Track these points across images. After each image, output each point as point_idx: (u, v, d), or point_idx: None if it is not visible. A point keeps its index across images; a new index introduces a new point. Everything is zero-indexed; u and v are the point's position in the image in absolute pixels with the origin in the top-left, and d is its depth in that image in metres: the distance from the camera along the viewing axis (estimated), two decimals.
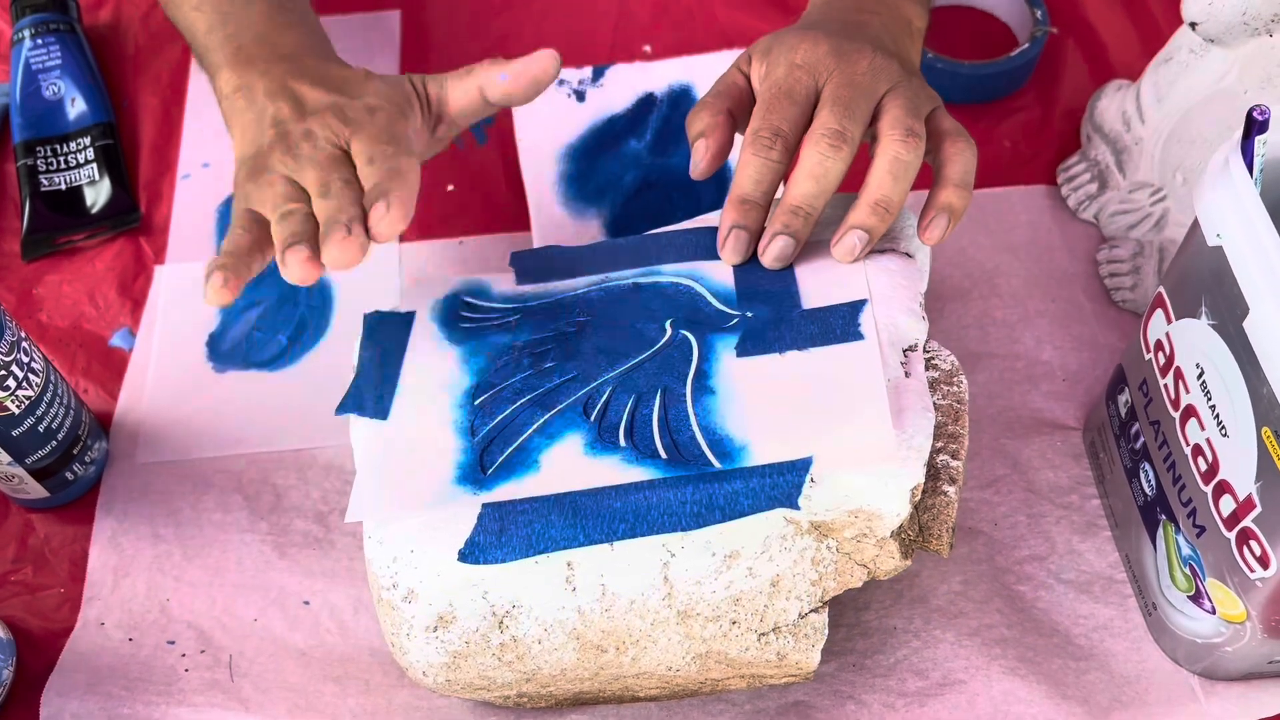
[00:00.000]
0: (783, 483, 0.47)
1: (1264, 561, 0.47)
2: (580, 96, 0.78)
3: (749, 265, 0.56)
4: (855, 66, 0.54)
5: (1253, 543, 0.47)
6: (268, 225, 0.54)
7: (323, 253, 0.50)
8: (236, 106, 0.58)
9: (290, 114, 0.56)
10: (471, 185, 0.75)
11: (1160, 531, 0.54)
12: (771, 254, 0.54)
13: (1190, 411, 0.50)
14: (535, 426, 0.51)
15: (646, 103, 0.77)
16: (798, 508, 0.46)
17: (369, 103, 0.57)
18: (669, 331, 0.53)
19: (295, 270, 0.51)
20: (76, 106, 0.76)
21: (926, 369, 0.51)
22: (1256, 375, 0.45)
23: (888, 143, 0.52)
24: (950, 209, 0.53)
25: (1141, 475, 0.55)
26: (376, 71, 0.60)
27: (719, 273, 0.56)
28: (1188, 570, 0.52)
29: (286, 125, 0.56)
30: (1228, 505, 0.48)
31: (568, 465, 0.49)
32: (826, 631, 0.49)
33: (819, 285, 0.54)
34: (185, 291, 0.71)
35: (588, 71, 0.79)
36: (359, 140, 0.55)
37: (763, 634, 0.48)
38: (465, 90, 0.59)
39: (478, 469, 0.50)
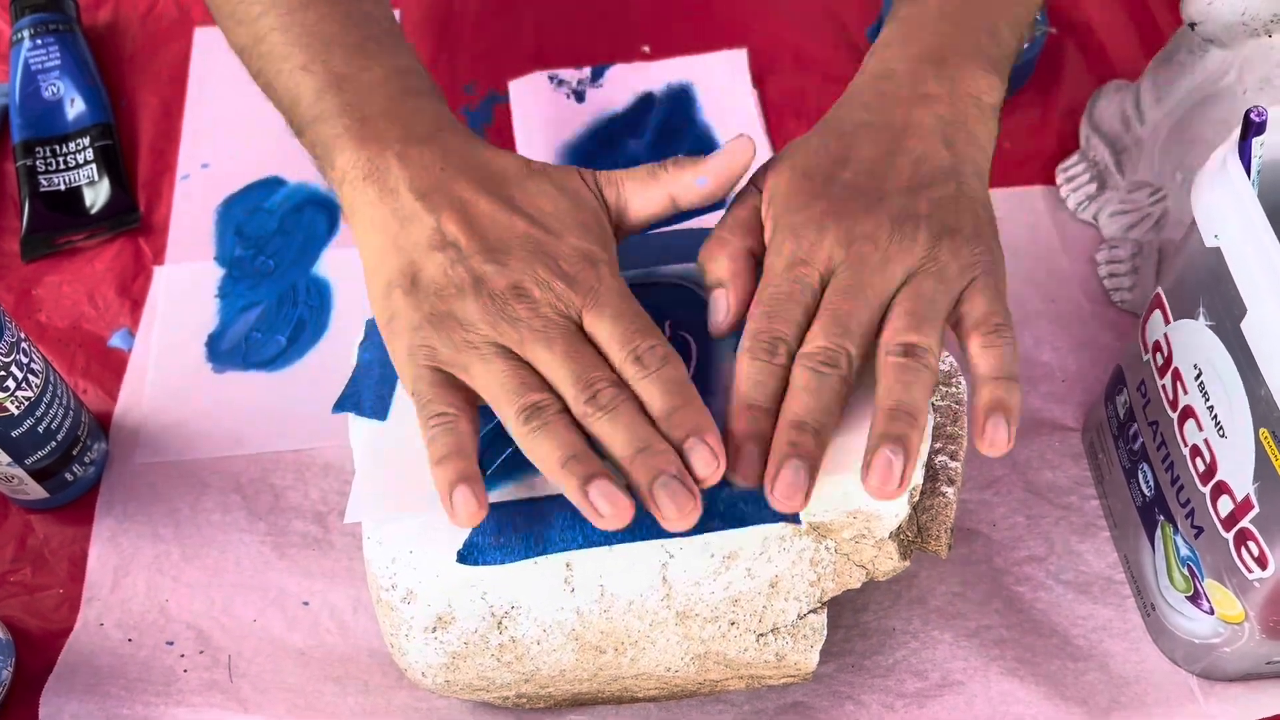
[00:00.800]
0: None
1: (1262, 562, 0.47)
2: (580, 96, 0.78)
3: None
4: (863, 265, 0.46)
5: (1251, 543, 0.47)
6: (474, 401, 0.46)
7: (659, 512, 0.42)
8: (366, 198, 0.49)
9: (461, 233, 0.46)
10: None
11: (1158, 532, 0.54)
12: (782, 485, 0.43)
13: (1188, 412, 0.50)
14: None
15: (646, 102, 0.77)
16: (799, 522, 0.46)
17: (579, 247, 0.47)
18: (668, 333, 0.53)
19: (613, 521, 0.42)
20: (76, 107, 0.76)
21: None
22: (1254, 376, 0.45)
23: (886, 366, 0.45)
24: (1000, 406, 0.44)
25: (1140, 476, 0.55)
26: None
27: None
28: (1186, 571, 0.52)
29: (470, 260, 0.46)
30: (1226, 506, 0.48)
31: None
32: (825, 632, 0.49)
33: None
34: (184, 292, 0.71)
35: (587, 71, 0.79)
36: (603, 322, 0.45)
37: (761, 635, 0.48)
38: (650, 198, 0.50)
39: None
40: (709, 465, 0.43)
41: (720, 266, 0.49)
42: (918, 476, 0.47)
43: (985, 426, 0.44)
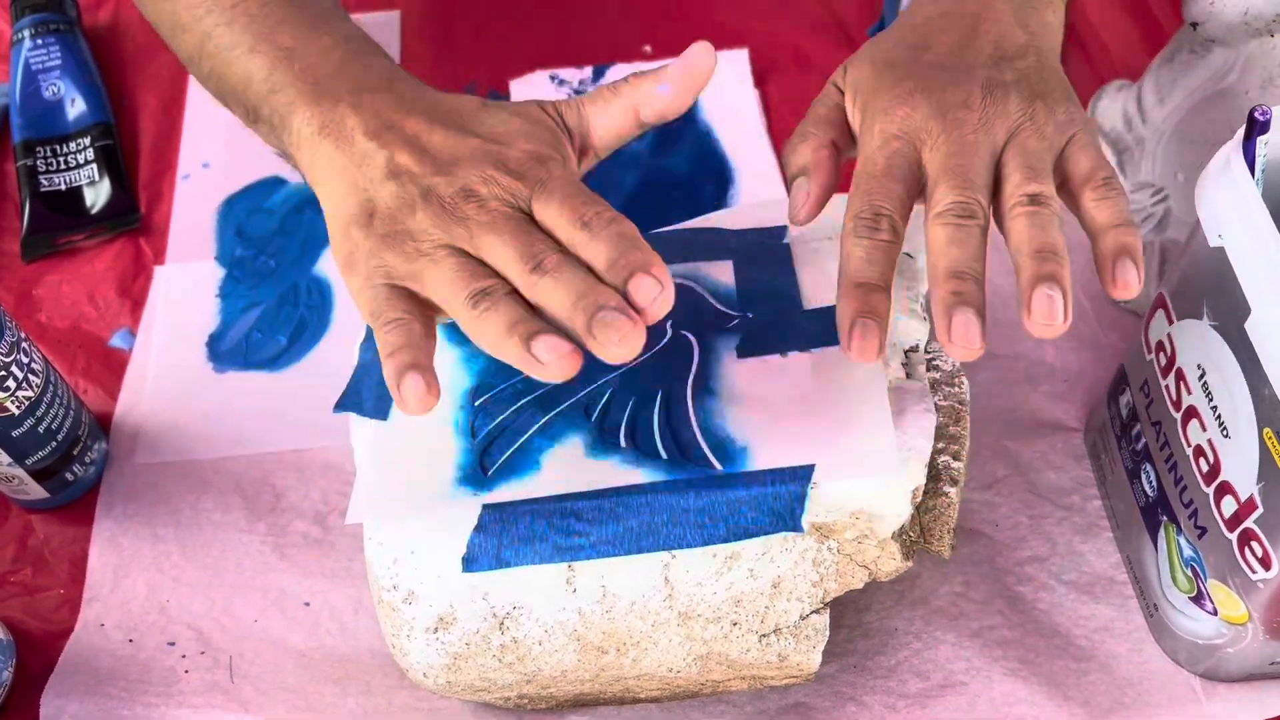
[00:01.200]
0: (784, 492, 0.46)
1: (1265, 563, 0.47)
2: None
3: (750, 266, 0.55)
4: (963, 127, 0.46)
5: (1254, 544, 0.47)
6: (429, 309, 0.45)
7: (599, 347, 0.41)
8: (322, 151, 0.49)
9: (413, 161, 0.47)
10: None
11: (1162, 532, 0.54)
12: (959, 331, 0.43)
13: (1192, 412, 0.50)
14: (536, 427, 0.50)
15: None
16: (801, 530, 0.46)
17: (529, 149, 0.47)
18: (669, 332, 0.53)
19: (557, 369, 0.41)
20: (76, 107, 0.76)
21: (928, 370, 0.51)
22: (1258, 376, 0.45)
23: (1018, 217, 0.45)
24: (1126, 250, 0.44)
25: (1143, 476, 0.55)
26: None
27: (719, 273, 0.56)
28: (1189, 571, 0.52)
29: (421, 179, 0.46)
30: (1229, 506, 0.48)
31: (569, 466, 0.49)
32: (827, 633, 0.49)
33: (820, 286, 0.54)
34: (185, 292, 0.71)
35: (588, 71, 0.79)
36: (551, 203, 0.45)
37: (764, 635, 0.48)
38: (612, 115, 0.50)
39: (479, 470, 0.50)
40: (651, 291, 0.42)
41: (801, 156, 0.49)
42: (920, 477, 0.47)
43: (1115, 271, 0.44)
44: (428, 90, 0.51)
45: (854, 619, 0.57)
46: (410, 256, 0.45)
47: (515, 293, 0.43)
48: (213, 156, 0.77)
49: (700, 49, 0.49)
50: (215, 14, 0.55)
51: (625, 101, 0.50)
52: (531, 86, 0.78)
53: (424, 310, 0.45)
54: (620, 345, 0.41)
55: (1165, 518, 0.53)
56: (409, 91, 0.50)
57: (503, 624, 0.48)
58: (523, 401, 0.52)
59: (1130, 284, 0.44)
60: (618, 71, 0.78)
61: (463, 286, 0.43)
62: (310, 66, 0.52)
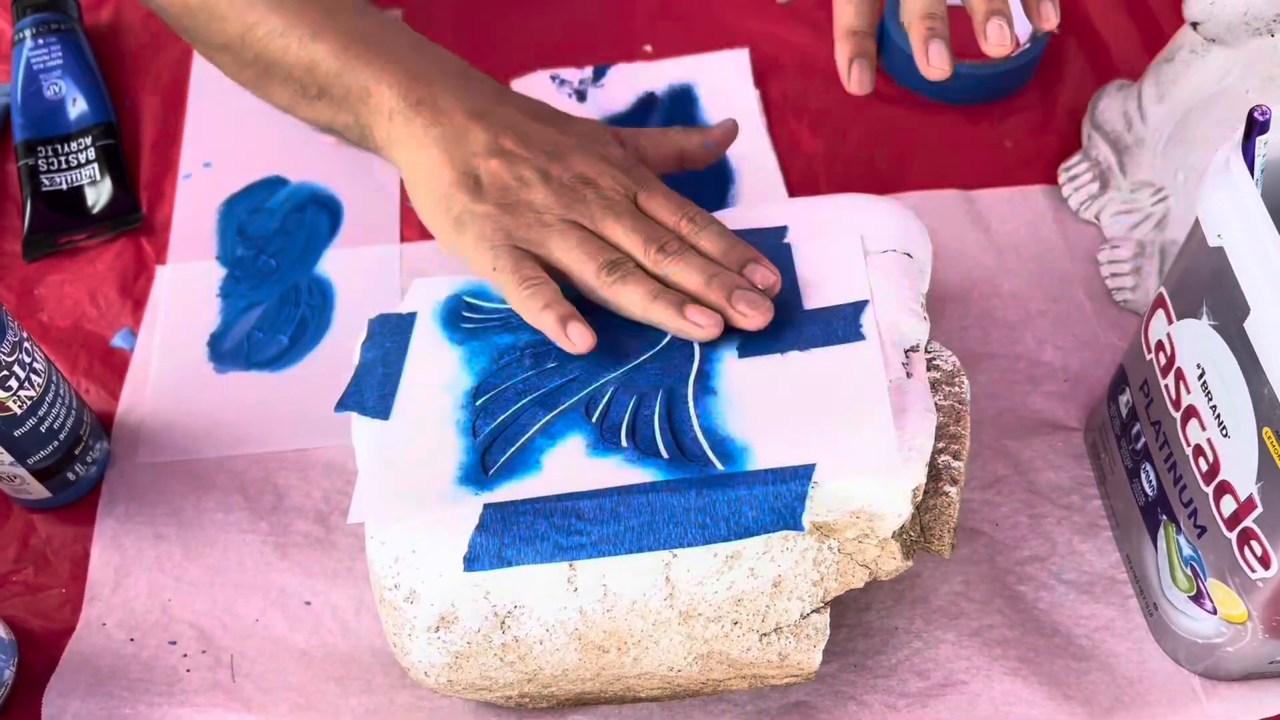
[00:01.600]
0: (785, 491, 0.46)
1: (1265, 562, 0.47)
2: (581, 96, 0.78)
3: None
4: None
5: (1254, 543, 0.47)
6: (551, 273, 0.53)
7: (734, 314, 0.51)
8: (415, 125, 0.56)
9: (516, 144, 0.55)
10: None
11: (1161, 532, 0.54)
12: (935, 56, 0.51)
13: (1191, 412, 0.50)
14: (537, 427, 0.51)
15: (647, 102, 0.77)
16: (802, 529, 0.46)
17: (618, 153, 0.56)
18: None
19: (708, 332, 0.51)
20: (77, 106, 0.76)
21: (928, 369, 0.51)
22: (1257, 376, 0.45)
23: None
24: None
25: (1142, 475, 0.55)
26: None
27: None
28: (1189, 570, 0.52)
29: (532, 161, 0.54)
30: (1229, 505, 0.48)
31: (570, 465, 0.49)
32: (828, 632, 0.49)
33: (820, 286, 0.54)
34: (186, 291, 0.71)
35: (589, 71, 0.79)
36: (655, 198, 0.54)
37: (764, 634, 0.48)
38: (664, 151, 0.61)
39: (480, 469, 0.50)
40: (767, 278, 0.52)
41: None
42: (921, 477, 0.47)
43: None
44: (502, 85, 0.59)
45: (854, 618, 0.57)
46: (533, 226, 0.53)
47: (642, 268, 0.52)
48: (214, 156, 0.77)
49: (732, 125, 0.63)
50: (261, 4, 0.60)
51: (672, 144, 0.60)
52: (532, 86, 0.78)
53: (546, 274, 0.53)
54: (758, 315, 0.51)
55: (1165, 517, 0.54)
56: (491, 84, 0.58)
57: (504, 623, 0.48)
58: (524, 401, 0.52)
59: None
60: (618, 71, 0.78)
61: (595, 255, 0.52)
62: (385, 48, 0.58)
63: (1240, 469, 0.47)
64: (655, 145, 0.60)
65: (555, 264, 0.53)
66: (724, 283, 0.52)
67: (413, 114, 0.56)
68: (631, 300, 0.52)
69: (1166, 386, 0.52)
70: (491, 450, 0.50)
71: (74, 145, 0.75)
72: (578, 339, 0.51)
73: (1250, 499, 0.47)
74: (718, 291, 0.52)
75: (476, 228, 0.53)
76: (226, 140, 0.77)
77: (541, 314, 0.52)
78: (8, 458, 0.59)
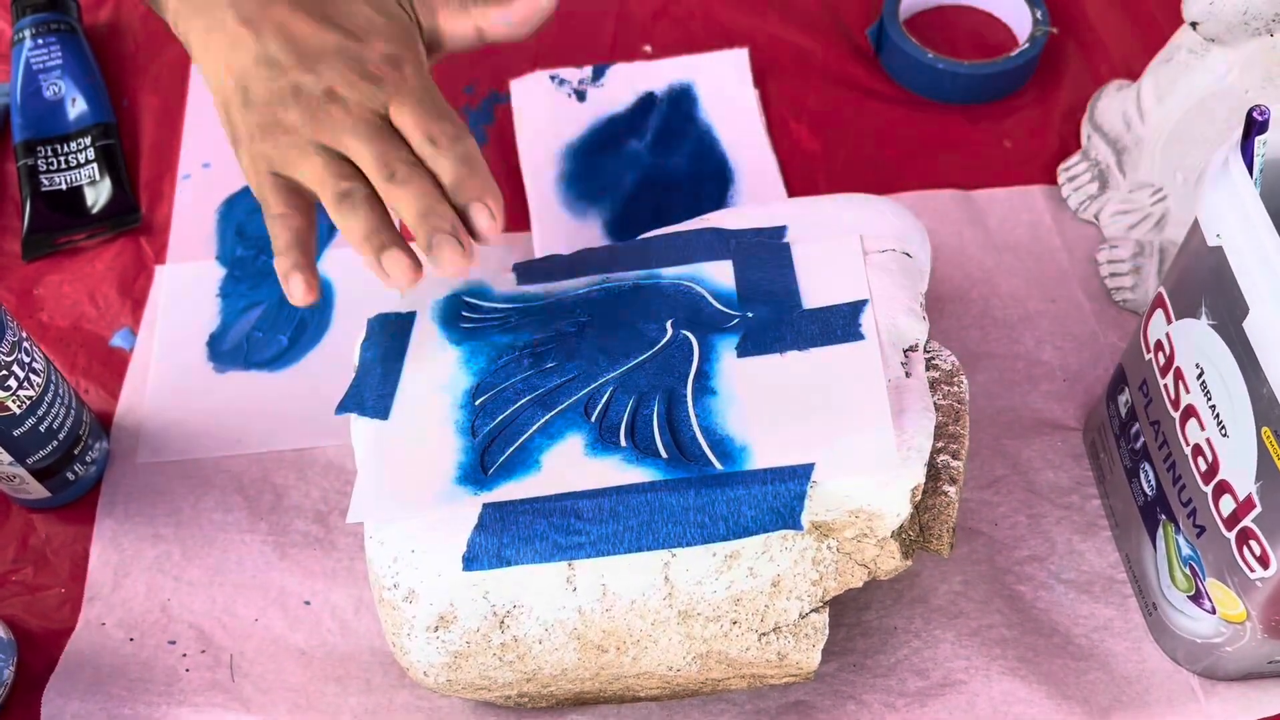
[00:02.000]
0: (784, 491, 0.46)
1: (1264, 561, 0.47)
2: (581, 96, 0.78)
3: (750, 266, 0.56)
4: None
5: (1253, 542, 0.47)
6: (309, 197, 0.52)
7: (434, 264, 0.49)
8: (196, 28, 0.55)
9: (281, 49, 0.52)
10: None
11: (1160, 531, 0.54)
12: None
13: (1190, 411, 0.50)
14: (536, 426, 0.51)
15: (647, 102, 0.77)
16: (800, 528, 0.46)
17: (386, 52, 0.53)
18: (670, 332, 0.53)
19: (401, 278, 0.49)
20: (77, 106, 0.76)
21: (927, 369, 0.51)
22: (1256, 375, 0.45)
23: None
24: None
25: (1141, 475, 0.55)
26: None
27: (719, 273, 0.56)
28: (1188, 570, 0.52)
29: (289, 72, 0.52)
30: (1228, 505, 0.48)
31: (569, 465, 0.49)
32: (827, 631, 0.49)
33: (819, 285, 0.54)
34: (186, 291, 0.71)
35: (588, 71, 0.79)
36: (404, 112, 0.51)
37: (763, 634, 0.48)
38: (462, 26, 0.58)
39: (479, 469, 0.50)
40: (486, 223, 0.50)
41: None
42: (920, 476, 0.47)
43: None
44: None
45: (853, 618, 0.57)
46: (285, 148, 0.51)
47: (375, 195, 0.50)
48: (213, 156, 0.77)
49: (544, 6, 0.59)
50: None
51: (472, 22, 0.58)
52: (532, 86, 0.78)
53: (304, 200, 0.52)
54: (450, 266, 0.49)
55: (1164, 516, 0.54)
56: None
57: (503, 622, 0.48)
58: (523, 401, 0.52)
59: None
60: (617, 71, 0.78)
61: (330, 185, 0.50)
62: None
63: (1239, 469, 0.47)
64: (449, 19, 0.58)
65: (307, 185, 0.52)
66: (433, 223, 0.49)
67: (193, 19, 0.55)
68: (352, 236, 0.50)
69: (1165, 386, 0.52)
70: (490, 450, 0.50)
71: (73, 145, 0.75)
72: (296, 294, 0.50)
73: (1249, 499, 0.47)
74: (422, 232, 0.49)
75: (246, 150, 0.53)
76: (226, 140, 0.77)
77: (276, 260, 0.51)
78: (7, 457, 0.59)
